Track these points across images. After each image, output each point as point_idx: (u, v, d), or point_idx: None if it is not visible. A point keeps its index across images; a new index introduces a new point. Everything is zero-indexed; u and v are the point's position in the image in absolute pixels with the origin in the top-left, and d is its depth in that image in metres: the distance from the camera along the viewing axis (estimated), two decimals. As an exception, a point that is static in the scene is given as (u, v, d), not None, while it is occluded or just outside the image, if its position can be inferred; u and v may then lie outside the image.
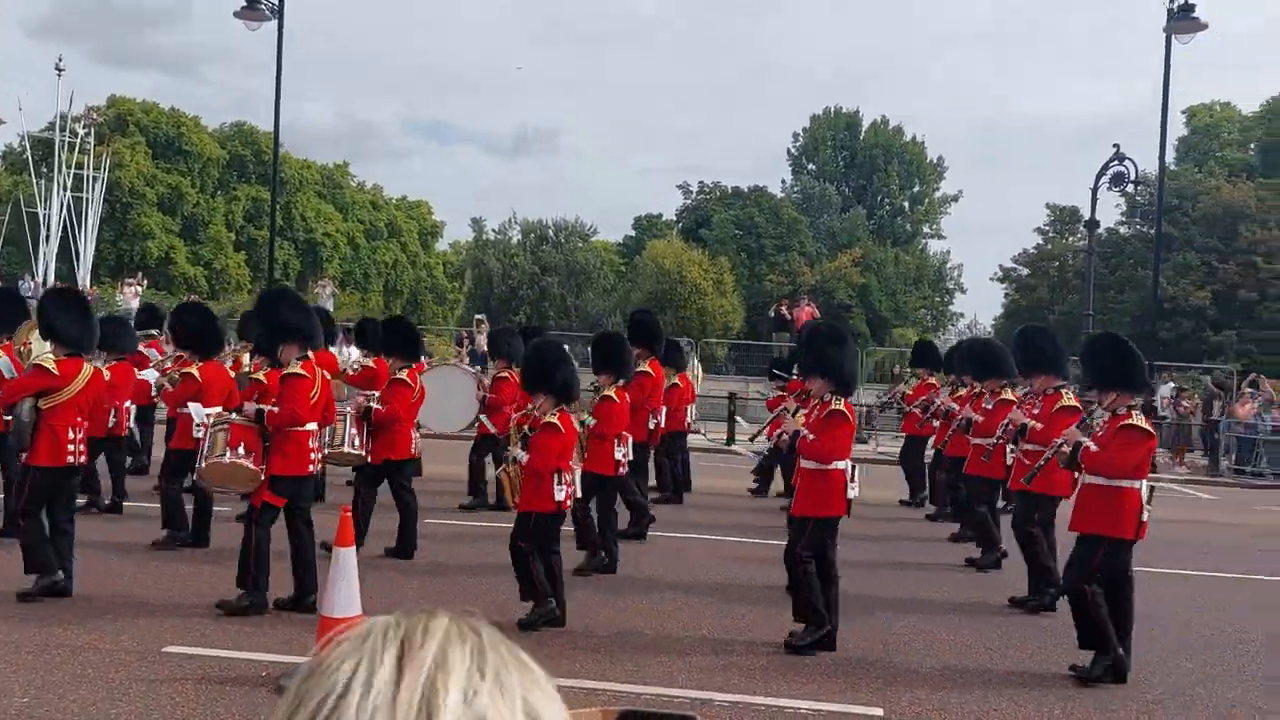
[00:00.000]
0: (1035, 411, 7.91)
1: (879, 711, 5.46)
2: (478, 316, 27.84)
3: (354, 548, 5.60)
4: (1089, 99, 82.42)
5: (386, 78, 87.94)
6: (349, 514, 5.74)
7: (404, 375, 8.50)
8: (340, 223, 50.76)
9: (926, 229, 54.67)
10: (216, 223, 47.58)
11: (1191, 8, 18.91)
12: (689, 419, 11.58)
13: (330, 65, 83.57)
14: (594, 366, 8.54)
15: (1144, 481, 6.08)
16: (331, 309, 27.48)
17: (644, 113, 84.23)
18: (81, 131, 35.55)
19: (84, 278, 33.65)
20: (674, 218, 50.45)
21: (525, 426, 6.69)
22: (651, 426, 9.74)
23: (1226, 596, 8.79)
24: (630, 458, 8.54)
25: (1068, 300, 43.37)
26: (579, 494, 7.04)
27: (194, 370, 8.43)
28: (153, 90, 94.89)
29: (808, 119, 53.86)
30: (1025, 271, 50.11)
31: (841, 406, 6.45)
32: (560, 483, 6.46)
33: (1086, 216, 20.93)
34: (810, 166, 53.57)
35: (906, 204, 54.13)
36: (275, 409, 6.64)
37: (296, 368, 6.66)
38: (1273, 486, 17.89)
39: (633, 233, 52.58)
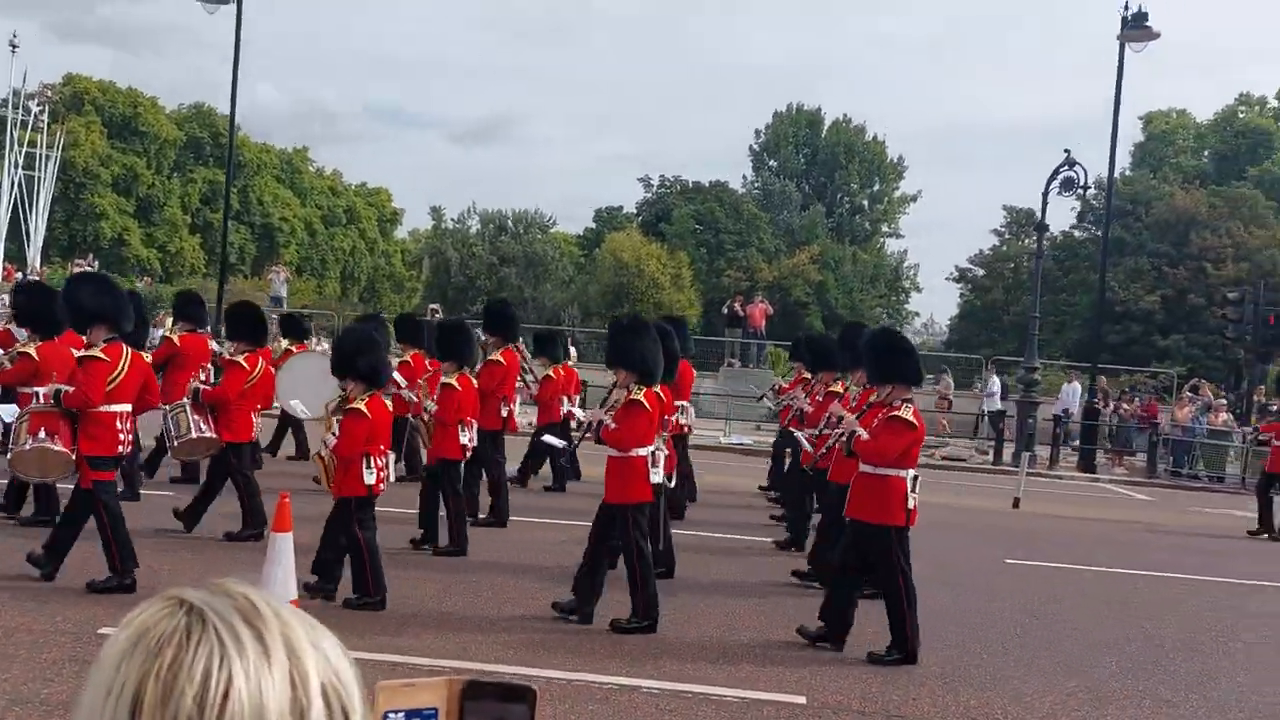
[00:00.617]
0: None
1: (801, 699, 5.61)
2: (431, 306, 27.76)
3: (291, 533, 5.64)
4: (1049, 103, 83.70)
5: (348, 63, 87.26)
6: (287, 500, 5.78)
7: (240, 359, 8.61)
8: (298, 208, 50.27)
9: (885, 228, 55.23)
10: (172, 205, 46.92)
11: (1145, 16, 19.31)
12: (566, 408, 11.65)
13: (292, 49, 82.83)
14: (438, 354, 8.87)
15: (911, 471, 6.39)
16: (285, 295, 27.28)
17: (608, 104, 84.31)
18: (35, 109, 34.90)
19: (34, 258, 33.07)
20: (634, 210, 50.50)
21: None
22: (505, 414, 9.77)
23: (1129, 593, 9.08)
24: (475, 443, 8.68)
25: (1021, 301, 43.98)
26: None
27: (31, 350, 8.24)
28: (110, 68, 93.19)
29: (770, 115, 54.19)
30: (981, 272, 50.77)
31: (641, 396, 6.64)
32: (370, 467, 6.56)
33: (1039, 219, 21.28)
34: (771, 163, 53.87)
35: (866, 202, 54.62)
36: (70, 390, 6.69)
37: (97, 350, 6.69)
38: (1207, 489, 18.40)
39: (593, 224, 52.58)
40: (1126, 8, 19.40)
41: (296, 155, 52.65)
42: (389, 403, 7.15)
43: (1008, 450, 19.50)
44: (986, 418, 22.41)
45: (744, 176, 53.94)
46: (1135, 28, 19.38)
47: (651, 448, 6.74)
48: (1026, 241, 48.66)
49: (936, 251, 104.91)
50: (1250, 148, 48.37)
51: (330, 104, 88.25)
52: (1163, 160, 49.45)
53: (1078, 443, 20.27)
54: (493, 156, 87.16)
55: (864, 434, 6.47)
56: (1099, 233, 43.21)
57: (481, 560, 8.25)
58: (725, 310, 28.89)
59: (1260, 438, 13.61)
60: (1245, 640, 7.56)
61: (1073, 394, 21.75)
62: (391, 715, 0.85)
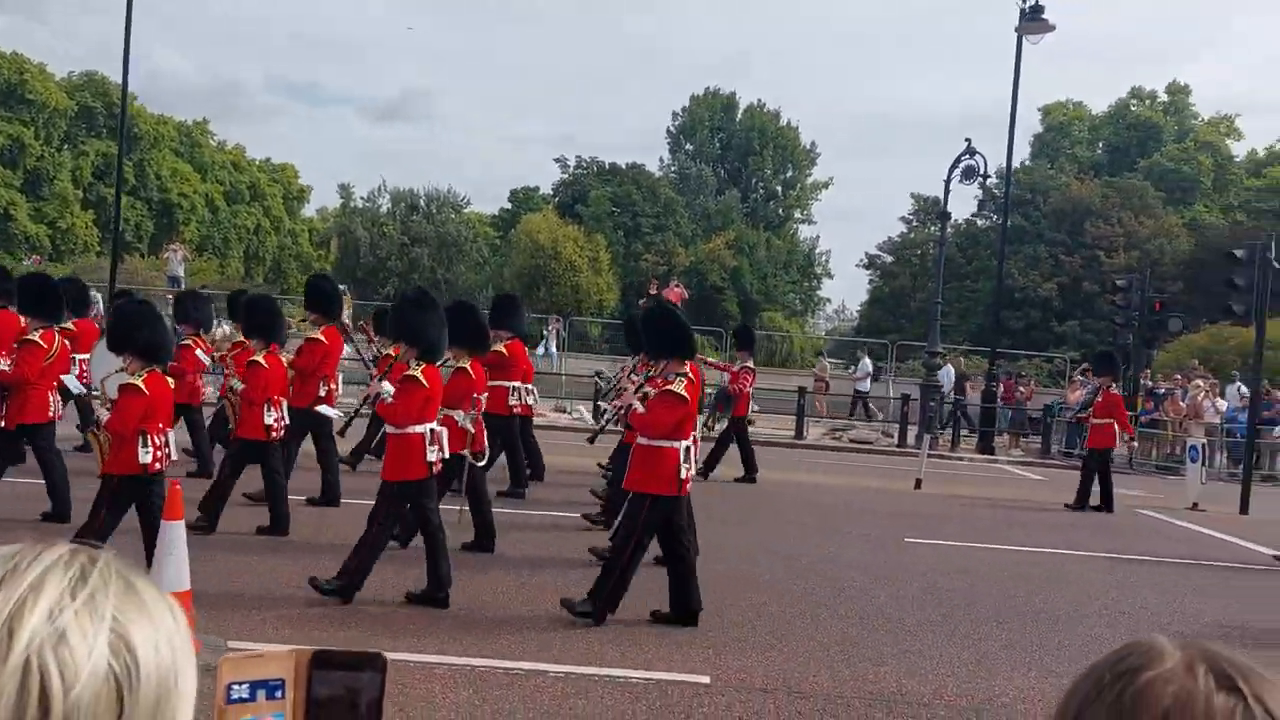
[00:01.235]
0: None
1: (706, 679, 5.67)
2: (340, 287, 27.14)
3: (182, 521, 5.48)
4: (957, 93, 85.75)
5: (254, 34, 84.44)
6: (178, 486, 5.62)
7: (37, 336, 8.28)
8: (198, 183, 48.59)
9: (798, 214, 55.98)
10: (62, 178, 44.88)
11: (1041, 9, 19.87)
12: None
13: (194, 18, 79.74)
14: (243, 333, 8.87)
15: (684, 442, 6.57)
16: (183, 275, 26.37)
17: (524, 84, 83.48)
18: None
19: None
20: (550, 192, 50.21)
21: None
22: (323, 393, 9.53)
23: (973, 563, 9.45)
24: (286, 421, 8.59)
25: (927, 288, 45.08)
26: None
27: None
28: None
29: (688, 99, 54.35)
30: (890, 259, 51.89)
31: (419, 373, 6.70)
32: (146, 445, 6.38)
33: (942, 207, 21.83)
34: (688, 147, 54.10)
35: (780, 189, 55.28)
36: None
37: None
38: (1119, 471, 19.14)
39: (508, 205, 52.10)
40: (1024, 0, 19.96)
41: (196, 128, 50.84)
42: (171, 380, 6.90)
43: (913, 432, 20.01)
44: (859, 399, 23.26)
45: (661, 159, 54.11)
46: (1032, 20, 19.92)
47: (430, 425, 6.71)
48: (933, 229, 49.91)
49: (848, 238, 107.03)
50: (1141, 140, 50.36)
51: (239, 77, 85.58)
52: (1060, 151, 51.15)
53: (976, 426, 20.91)
54: (405, 135, 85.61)
55: (639, 407, 6.64)
56: (999, 221, 44.65)
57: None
58: (641, 301, 28.94)
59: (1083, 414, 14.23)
60: (1126, 610, 7.91)
61: (946, 376, 22.59)
62: (235, 686, 0.83)
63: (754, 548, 9.31)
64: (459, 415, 7.71)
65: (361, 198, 48.02)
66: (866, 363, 24.36)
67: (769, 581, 7.99)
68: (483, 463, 8.29)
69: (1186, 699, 0.77)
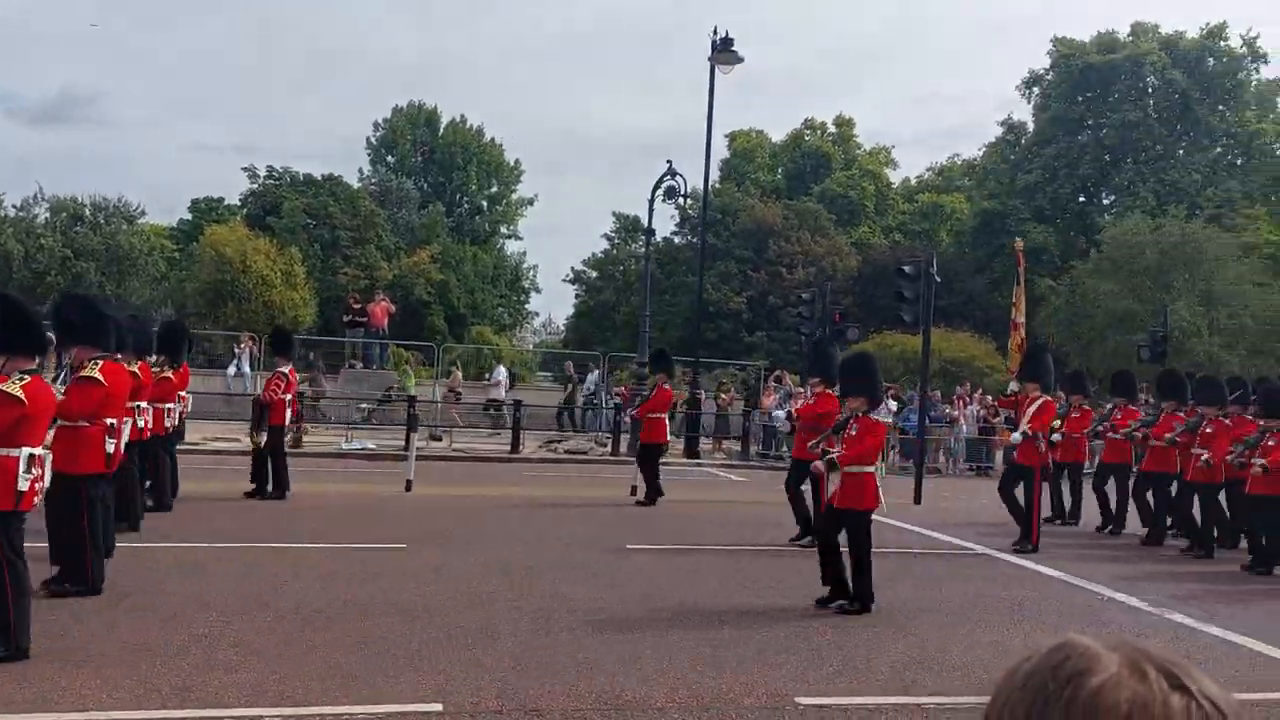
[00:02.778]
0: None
1: (438, 707, 5.42)
2: None
3: None
4: (656, 117, 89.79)
5: None
6: None
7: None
8: None
9: (504, 229, 56.17)
10: None
11: (731, 41, 21.20)
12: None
13: None
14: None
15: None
16: None
17: (201, 87, 77.59)
18: None
19: None
20: (238, 203, 47.05)
21: None
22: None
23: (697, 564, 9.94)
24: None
25: (630, 302, 46.72)
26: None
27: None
28: None
29: (388, 110, 53.01)
30: (594, 274, 53.28)
31: (96, 372, 7.17)
32: None
33: (646, 225, 22.64)
34: (389, 159, 52.72)
35: (485, 203, 55.21)
36: None
37: None
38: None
39: (189, 216, 48.24)
40: (715, 32, 21.23)
41: None
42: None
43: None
44: (491, 406, 23.71)
45: (360, 171, 52.31)
46: (723, 51, 21.22)
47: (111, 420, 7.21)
48: (634, 246, 51.83)
49: (554, 254, 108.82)
50: (814, 167, 55.16)
51: None
52: (745, 175, 54.93)
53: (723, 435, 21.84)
54: (65, 138, 76.86)
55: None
56: (695, 239, 47.15)
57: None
58: (346, 317, 27.73)
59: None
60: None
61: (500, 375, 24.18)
62: None
63: (482, 566, 9.09)
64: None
65: (14, 206, 42.48)
66: (500, 371, 24.65)
67: (498, 599, 7.81)
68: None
69: (1145, 703, 0.76)
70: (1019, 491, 11.70)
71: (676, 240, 51.34)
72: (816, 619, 7.74)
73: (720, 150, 55.79)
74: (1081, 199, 48.16)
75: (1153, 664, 0.79)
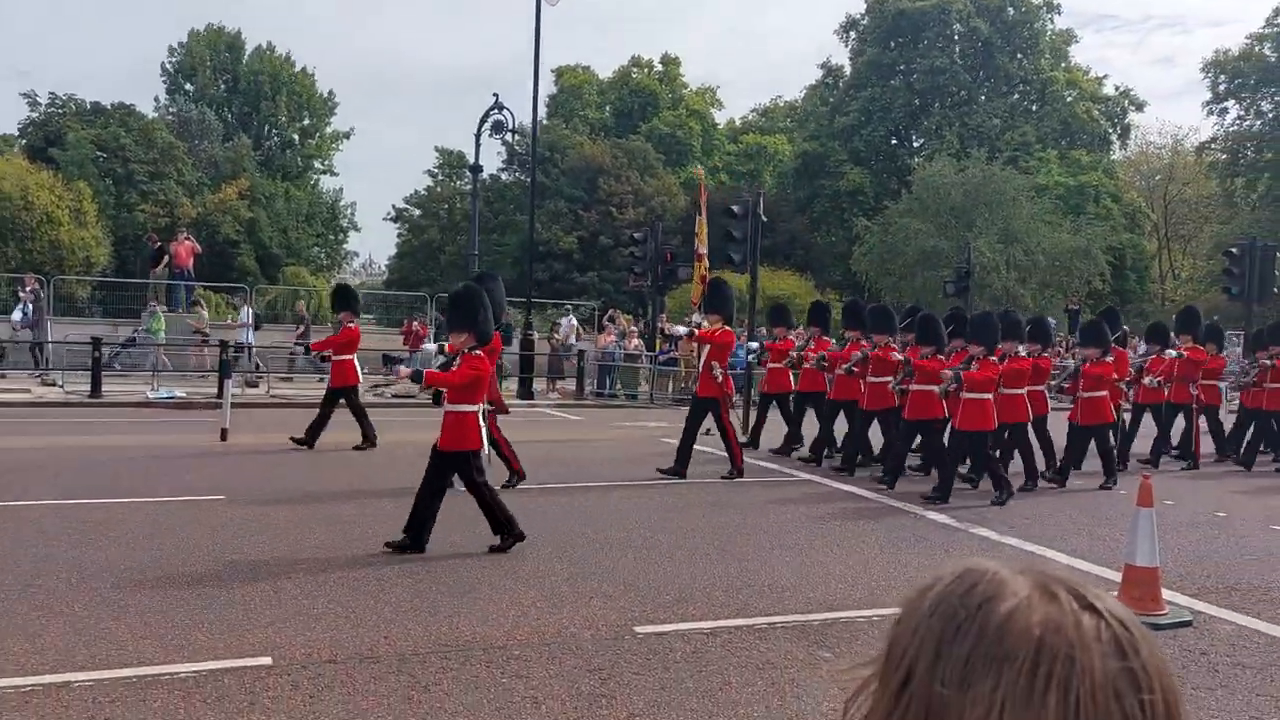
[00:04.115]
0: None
1: (267, 660, 5.20)
2: None
3: None
4: (478, 49, 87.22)
5: None
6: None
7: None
8: None
9: (318, 165, 53.64)
10: None
11: (557, -26, 20.74)
12: None
13: None
14: None
15: None
16: None
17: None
18: None
19: None
20: (16, 132, 42.95)
21: None
22: None
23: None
24: None
25: (457, 241, 45.70)
26: None
27: None
28: None
29: (185, 34, 49.30)
30: (418, 212, 51.78)
31: None
32: None
33: (472, 161, 22.05)
34: (188, 87, 49.20)
35: (296, 137, 52.47)
36: None
37: None
38: (624, 406, 20.86)
39: (-42, 147, 43.70)
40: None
41: None
42: None
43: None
44: (235, 347, 21.67)
45: (156, 100, 48.61)
46: (550, -18, 20.75)
47: None
48: (459, 183, 50.55)
49: (373, 191, 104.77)
50: (641, 105, 55.21)
51: None
52: (573, 112, 54.40)
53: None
54: None
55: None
56: (523, 177, 46.46)
57: None
58: (147, 254, 25.87)
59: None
60: (671, 531, 8.64)
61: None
62: None
63: (307, 516, 8.76)
64: None
65: None
66: (246, 311, 23.28)
67: (326, 549, 7.55)
68: None
69: (1058, 625, 0.76)
70: (710, 424, 11.71)
71: (504, 178, 50.46)
72: (653, 552, 7.87)
73: (547, 87, 54.99)
74: (894, 142, 50.27)
75: (1063, 586, 0.79)
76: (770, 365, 14.03)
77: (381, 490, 10.08)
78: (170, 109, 47.35)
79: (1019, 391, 11.28)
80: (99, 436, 13.29)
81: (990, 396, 10.49)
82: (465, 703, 4.74)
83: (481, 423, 7.63)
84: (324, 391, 13.59)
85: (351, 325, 13.22)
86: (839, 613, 6.31)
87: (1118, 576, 6.87)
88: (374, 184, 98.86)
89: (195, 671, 5.00)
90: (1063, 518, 9.98)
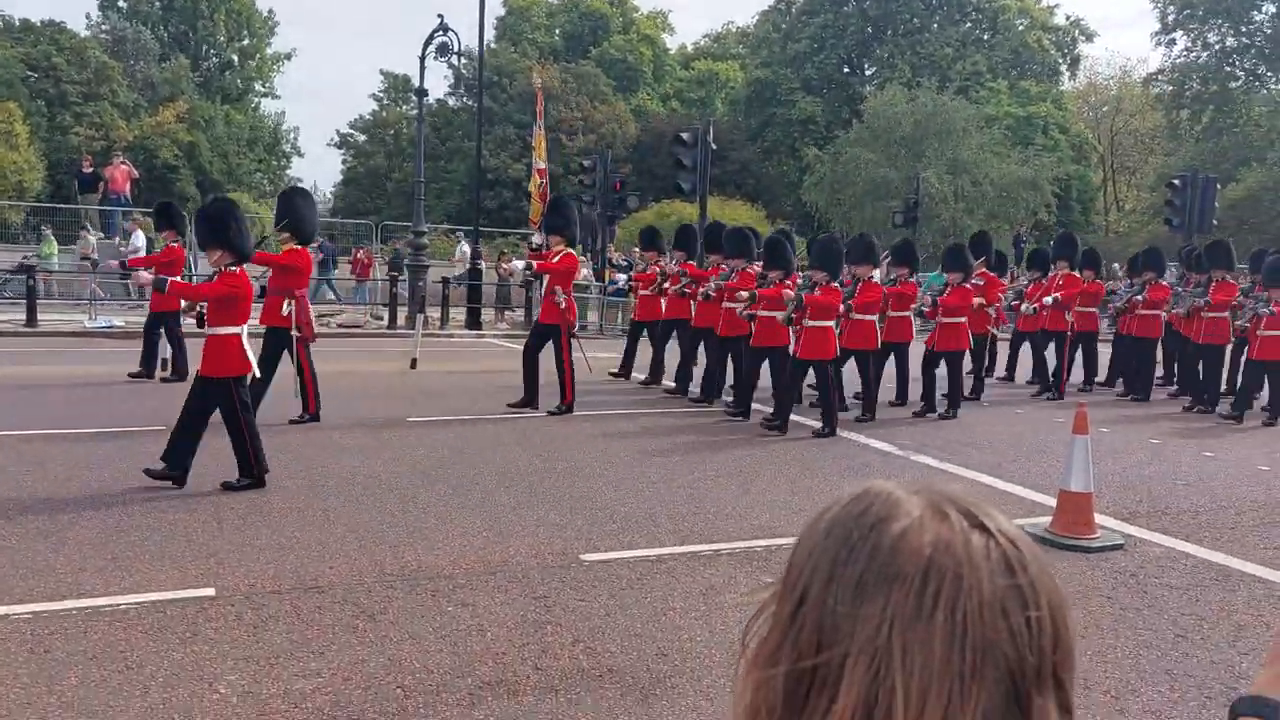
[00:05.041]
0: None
1: (210, 591, 5.17)
2: None
3: None
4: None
5: None
6: None
7: None
8: None
9: (259, 87, 52.00)
10: None
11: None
12: None
13: None
14: None
15: None
16: None
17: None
18: None
19: None
20: (-62, 50, 40.90)
21: None
22: None
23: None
24: None
25: (404, 168, 44.80)
26: None
27: None
28: None
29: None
30: (363, 138, 50.59)
31: None
32: None
33: (418, 85, 21.47)
34: (121, 4, 47.19)
35: (235, 58, 50.74)
36: None
37: None
38: (573, 336, 20.74)
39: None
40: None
41: None
42: None
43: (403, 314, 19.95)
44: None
45: (88, 17, 46.62)
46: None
47: None
48: (405, 108, 49.36)
49: (316, 116, 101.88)
50: (592, 29, 54.08)
51: None
52: (521, 36, 53.15)
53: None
54: None
55: None
56: (471, 102, 45.45)
57: None
58: (77, 176, 24.99)
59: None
60: (616, 461, 8.69)
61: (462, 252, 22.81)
62: None
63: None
64: None
65: None
66: (139, 236, 21.75)
67: (272, 479, 7.48)
68: None
69: (947, 544, 0.76)
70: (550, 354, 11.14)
71: (451, 103, 49.40)
72: (600, 481, 7.92)
73: (495, 8, 53.58)
74: (846, 70, 49.95)
75: (954, 506, 0.80)
76: (641, 293, 13.57)
77: (326, 423, 10.00)
78: (103, 27, 45.44)
79: (869, 318, 11.02)
80: (33, 367, 12.97)
81: (831, 324, 10.20)
82: (411, 631, 4.76)
83: (246, 346, 7.29)
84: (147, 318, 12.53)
85: (175, 244, 12.26)
86: (781, 539, 6.41)
87: (1053, 502, 7.06)
88: (318, 108, 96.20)
89: (136, 603, 4.96)
90: (1002, 444, 10.21)
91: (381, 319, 20.67)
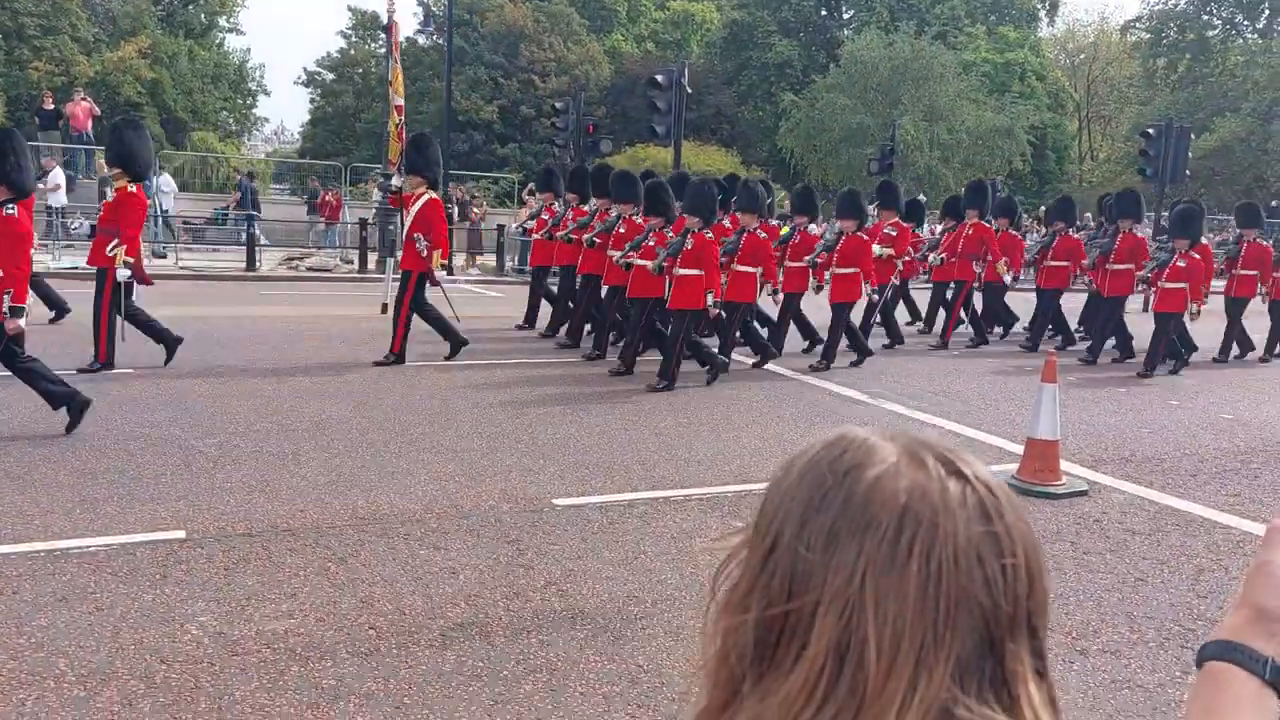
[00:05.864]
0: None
1: (180, 534, 5.15)
2: None
3: None
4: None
5: None
6: None
7: None
8: None
9: (224, 22, 50.62)
10: None
11: None
12: None
13: None
14: None
15: None
16: None
17: None
18: None
19: None
20: (-112, -22, 39.44)
21: None
22: None
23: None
24: None
25: (374, 108, 43.97)
26: None
27: None
28: None
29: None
30: (331, 77, 49.54)
31: None
32: None
33: (386, 22, 20.95)
34: (78, -67, 45.58)
35: (200, -8, 49.32)
36: None
37: None
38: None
39: None
40: None
41: None
42: None
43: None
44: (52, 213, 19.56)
45: (42, -54, 44.96)
46: None
47: None
48: (374, 45, 48.30)
49: (284, 53, 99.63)
50: (566, -33, 52.97)
51: None
52: (494, -29, 51.98)
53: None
54: None
55: None
56: (441, 41, 44.54)
57: None
58: (37, 114, 24.35)
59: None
60: (584, 412, 8.70)
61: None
62: None
63: (221, 391, 8.58)
64: None
65: None
66: (58, 173, 20.36)
67: (238, 422, 7.43)
68: None
69: (923, 490, 0.75)
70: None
71: (421, 41, 48.38)
72: (573, 428, 7.93)
73: (466, -57, 52.29)
74: (824, 12, 49.34)
75: (931, 452, 0.79)
76: (535, 236, 13.07)
77: (296, 366, 9.92)
78: (58, -43, 43.93)
79: (752, 270, 10.69)
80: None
81: (700, 273, 9.63)
82: (383, 574, 4.78)
83: (28, 290, 6.80)
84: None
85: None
86: (751, 485, 6.46)
87: (1020, 449, 7.16)
88: (284, 45, 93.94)
89: (106, 545, 4.94)
90: (970, 394, 10.31)
91: (352, 263, 20.44)
